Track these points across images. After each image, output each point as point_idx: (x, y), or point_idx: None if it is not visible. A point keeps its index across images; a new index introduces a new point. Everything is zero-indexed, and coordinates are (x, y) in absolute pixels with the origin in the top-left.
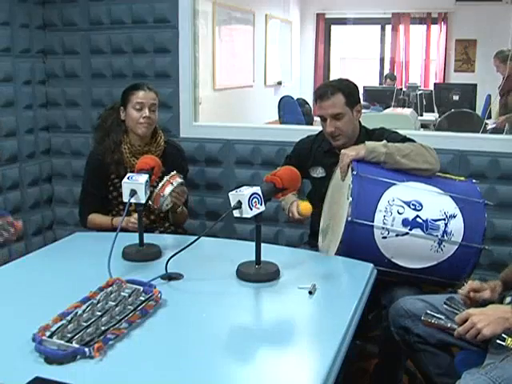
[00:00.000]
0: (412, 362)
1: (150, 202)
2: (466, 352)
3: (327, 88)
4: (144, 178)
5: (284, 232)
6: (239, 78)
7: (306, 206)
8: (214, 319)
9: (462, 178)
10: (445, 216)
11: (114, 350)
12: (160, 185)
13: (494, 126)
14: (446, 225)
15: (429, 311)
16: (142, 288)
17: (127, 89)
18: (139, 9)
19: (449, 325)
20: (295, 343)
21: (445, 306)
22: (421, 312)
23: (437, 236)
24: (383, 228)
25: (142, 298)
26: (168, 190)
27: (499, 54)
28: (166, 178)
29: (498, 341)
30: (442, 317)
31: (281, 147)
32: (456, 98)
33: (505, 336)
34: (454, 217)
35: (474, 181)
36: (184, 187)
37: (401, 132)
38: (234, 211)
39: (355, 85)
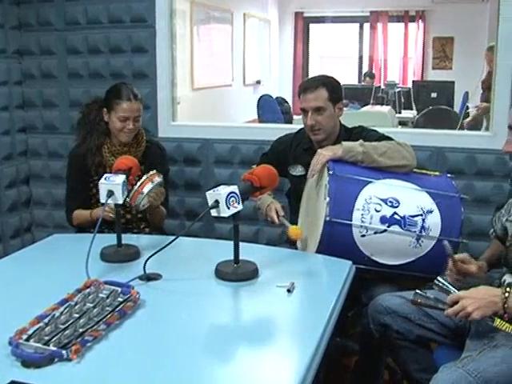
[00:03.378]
0: (392, 358)
1: (127, 199)
2: (444, 347)
3: (312, 82)
4: (121, 178)
5: (264, 231)
6: (218, 77)
7: (294, 232)
8: (193, 319)
9: (437, 173)
10: (422, 212)
11: (92, 351)
12: (139, 182)
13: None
14: (423, 220)
15: (418, 291)
16: (120, 289)
17: (112, 93)
18: (116, 8)
19: (438, 305)
20: (274, 341)
21: (434, 286)
22: (399, 308)
23: (415, 232)
24: (361, 226)
25: (120, 299)
26: (147, 187)
27: (492, 49)
28: (145, 176)
29: (488, 322)
30: (432, 297)
31: (260, 146)
32: (434, 95)
33: (494, 317)
34: (431, 212)
35: (448, 175)
36: (162, 188)
37: (379, 130)
38: (212, 210)
39: (339, 83)
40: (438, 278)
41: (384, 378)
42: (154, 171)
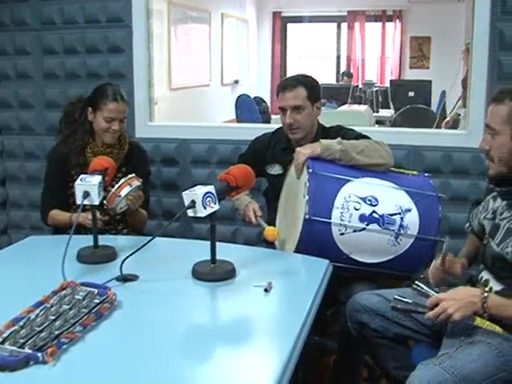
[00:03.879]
0: (370, 356)
1: (104, 201)
2: (422, 344)
3: (291, 81)
4: (97, 179)
5: (242, 231)
6: (196, 77)
7: (271, 233)
8: (170, 319)
9: (415, 172)
10: (400, 210)
11: (68, 354)
12: (117, 185)
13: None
14: (401, 219)
15: (397, 296)
16: (96, 290)
17: (99, 92)
18: (92, 8)
19: (419, 309)
20: (251, 341)
21: (413, 291)
22: (376, 307)
23: (393, 230)
24: (341, 225)
25: (97, 301)
26: (125, 191)
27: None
28: (124, 179)
29: (469, 321)
30: (410, 301)
31: (237, 146)
32: (411, 94)
33: (474, 317)
34: (410, 210)
35: (426, 174)
36: (140, 192)
37: (356, 129)
38: (188, 211)
39: (317, 82)
40: (416, 282)
41: (363, 376)
42: (133, 174)
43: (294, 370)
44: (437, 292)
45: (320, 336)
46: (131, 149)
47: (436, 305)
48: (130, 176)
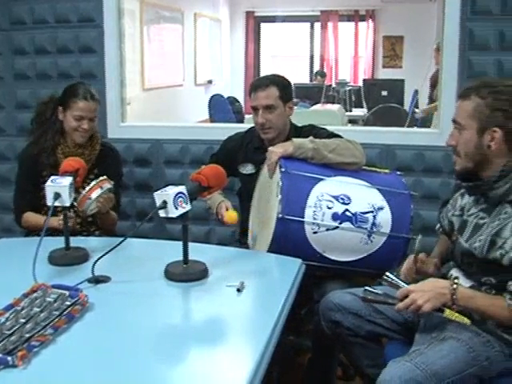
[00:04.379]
0: (343, 354)
1: (75, 203)
2: (394, 342)
3: (263, 80)
4: (68, 180)
5: (215, 231)
6: (169, 77)
7: (230, 216)
8: (142, 321)
9: (387, 171)
10: (373, 208)
11: (39, 357)
12: (88, 188)
13: (421, 115)
14: (374, 217)
15: (367, 287)
16: (67, 292)
17: (69, 91)
18: (63, 8)
19: (389, 300)
20: (224, 341)
21: (383, 282)
22: (349, 305)
23: (366, 228)
24: (314, 223)
25: (68, 303)
26: (95, 193)
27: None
28: (95, 182)
29: (438, 313)
30: (381, 292)
31: (210, 146)
32: (384, 93)
33: (443, 308)
34: (382, 209)
35: (398, 173)
36: (111, 194)
37: (328, 128)
38: (160, 211)
39: (290, 82)
40: (387, 273)
41: (337, 375)
42: (105, 177)
43: (266, 369)
44: (407, 284)
45: (294, 335)
46: (103, 150)
47: (406, 296)
48: (101, 178)
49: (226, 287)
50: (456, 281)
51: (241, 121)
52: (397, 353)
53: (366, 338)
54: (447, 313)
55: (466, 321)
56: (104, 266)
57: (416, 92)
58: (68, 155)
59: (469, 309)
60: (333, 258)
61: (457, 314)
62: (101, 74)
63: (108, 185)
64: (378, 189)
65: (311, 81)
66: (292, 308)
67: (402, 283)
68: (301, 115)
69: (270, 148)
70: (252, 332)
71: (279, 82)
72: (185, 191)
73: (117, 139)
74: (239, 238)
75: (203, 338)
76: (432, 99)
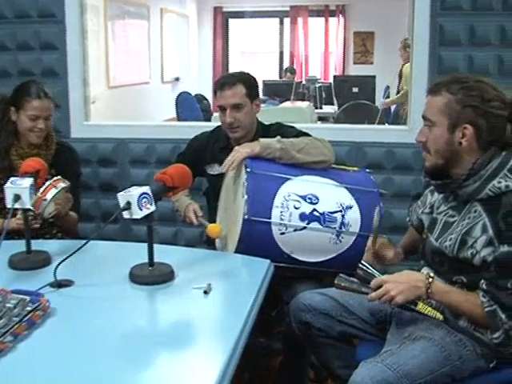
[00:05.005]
0: (315, 356)
1: (31, 207)
2: (366, 343)
3: (229, 78)
4: (28, 181)
5: (183, 232)
6: (135, 74)
7: (214, 229)
8: (107, 325)
9: (356, 169)
10: (341, 208)
11: None
12: (42, 189)
13: (383, 107)
14: (343, 216)
15: (342, 275)
16: (28, 298)
17: (21, 91)
18: (22, 2)
19: (362, 289)
20: (191, 344)
21: (358, 270)
22: (320, 305)
23: (335, 228)
24: (281, 224)
25: (29, 309)
26: (51, 194)
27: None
28: (48, 182)
29: (411, 306)
30: (356, 281)
31: (177, 145)
32: (355, 90)
33: (416, 301)
34: (351, 208)
35: (367, 170)
36: (69, 194)
37: (297, 126)
38: (124, 212)
39: (256, 79)
40: (362, 261)
41: (309, 377)
42: (59, 177)
43: (235, 371)
44: (382, 274)
45: (265, 337)
46: (59, 149)
47: (380, 286)
48: (54, 178)
49: (193, 289)
50: (432, 274)
51: (209, 119)
52: (368, 353)
53: (338, 338)
54: (420, 306)
55: (439, 316)
56: (67, 270)
57: (387, 88)
58: (23, 156)
59: (443, 303)
60: (301, 258)
61: (430, 309)
62: (63, 71)
63: (63, 184)
64: (347, 187)
65: (281, 78)
66: (261, 309)
67: (377, 273)
68: (269, 113)
69: (236, 148)
70: (220, 334)
71: (246, 80)
72: (149, 192)
73: (80, 139)
74: (206, 238)
75: (170, 341)
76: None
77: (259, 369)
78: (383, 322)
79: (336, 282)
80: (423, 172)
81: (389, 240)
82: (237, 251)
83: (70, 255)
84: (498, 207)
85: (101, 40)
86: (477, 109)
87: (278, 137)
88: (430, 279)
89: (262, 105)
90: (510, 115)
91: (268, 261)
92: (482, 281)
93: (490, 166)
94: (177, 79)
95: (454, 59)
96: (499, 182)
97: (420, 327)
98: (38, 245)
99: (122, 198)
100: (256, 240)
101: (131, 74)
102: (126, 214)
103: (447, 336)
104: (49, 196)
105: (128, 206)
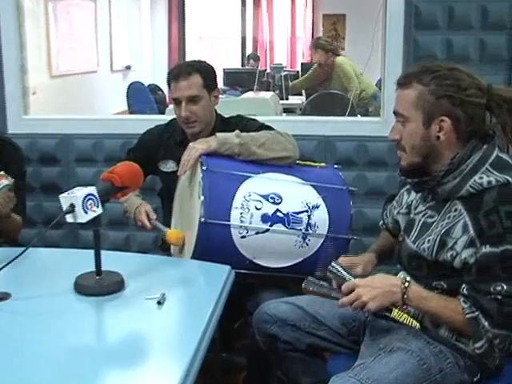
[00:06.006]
0: (281, 371)
1: None
2: (338, 356)
3: (184, 68)
4: None
5: (135, 237)
6: (81, 62)
7: (175, 235)
8: (49, 342)
9: (323, 164)
10: (307, 207)
11: None
12: None
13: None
14: (309, 217)
15: (310, 278)
16: None
17: None
18: None
19: (332, 294)
20: (143, 361)
21: (328, 273)
22: (286, 316)
23: (300, 230)
24: (241, 227)
25: None
26: None
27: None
28: None
29: (385, 313)
30: (325, 284)
31: (127, 140)
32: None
33: (391, 308)
34: (317, 207)
35: (336, 166)
36: (11, 193)
37: (260, 118)
38: (67, 216)
39: (213, 68)
40: (333, 263)
41: None
42: (2, 172)
43: None
44: (354, 277)
45: (227, 352)
46: (2, 145)
47: (352, 291)
48: None
49: (145, 300)
50: (408, 279)
51: (164, 112)
52: (340, 368)
53: (307, 352)
54: (395, 313)
55: (415, 324)
56: (3, 281)
57: (360, 75)
58: None
59: (421, 310)
60: (265, 264)
61: (405, 316)
62: None
63: (6, 181)
64: (313, 185)
65: (243, 65)
66: (222, 321)
67: (349, 276)
68: (229, 105)
69: (191, 144)
70: (175, 349)
71: (202, 69)
72: (95, 193)
73: (19, 134)
74: (161, 243)
75: (120, 358)
76: None
77: None
78: (356, 333)
79: (303, 285)
80: (398, 171)
81: (359, 252)
82: (194, 257)
83: (7, 264)
84: (480, 205)
85: (41, 23)
86: (453, 99)
87: (237, 131)
88: (407, 284)
89: (222, 96)
90: (488, 102)
91: (228, 267)
92: (463, 285)
93: (470, 160)
94: (128, 68)
95: (431, 44)
96: (480, 178)
97: (396, 337)
98: None
99: (65, 200)
100: (214, 244)
101: (76, 62)
102: (69, 218)
103: (426, 347)
104: None
105: (72, 208)
